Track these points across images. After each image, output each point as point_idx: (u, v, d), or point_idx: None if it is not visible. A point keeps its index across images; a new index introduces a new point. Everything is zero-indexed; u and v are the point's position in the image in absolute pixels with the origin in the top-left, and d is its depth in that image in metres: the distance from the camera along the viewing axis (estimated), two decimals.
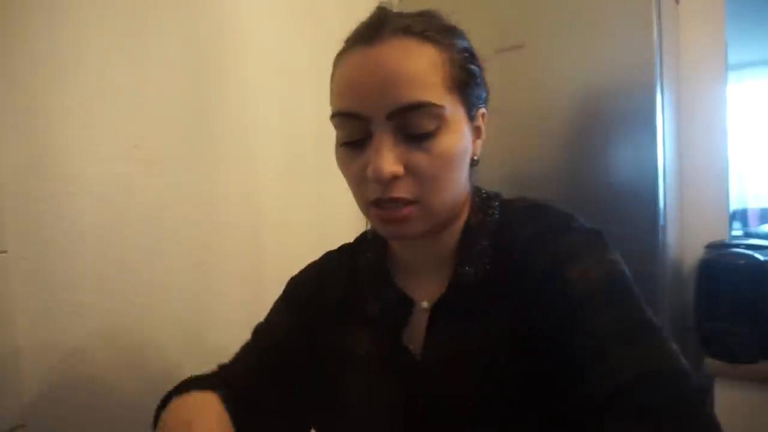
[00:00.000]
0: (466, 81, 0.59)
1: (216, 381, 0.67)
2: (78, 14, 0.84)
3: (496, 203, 0.67)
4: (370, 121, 0.56)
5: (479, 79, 0.62)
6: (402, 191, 0.56)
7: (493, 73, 0.65)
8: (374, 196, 0.57)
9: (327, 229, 1.41)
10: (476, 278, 0.61)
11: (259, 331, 0.76)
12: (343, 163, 0.60)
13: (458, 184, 0.61)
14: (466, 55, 0.60)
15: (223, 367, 0.73)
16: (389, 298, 0.66)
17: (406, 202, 0.57)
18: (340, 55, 0.60)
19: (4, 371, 0.72)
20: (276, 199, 1.25)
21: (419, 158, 0.56)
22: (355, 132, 0.58)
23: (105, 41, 0.88)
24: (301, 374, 0.70)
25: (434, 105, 0.55)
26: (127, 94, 0.91)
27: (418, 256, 0.67)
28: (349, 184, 0.61)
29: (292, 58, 1.31)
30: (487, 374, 0.58)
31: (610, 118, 1.32)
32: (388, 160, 0.54)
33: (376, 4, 0.60)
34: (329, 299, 0.72)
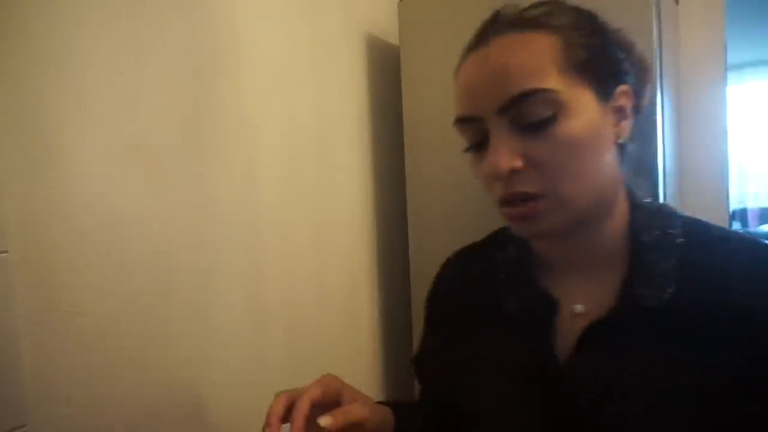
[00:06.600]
0: (590, 59, 0.55)
1: None
2: (78, 14, 0.84)
3: (678, 222, 0.61)
4: (483, 120, 0.54)
5: (614, 56, 0.58)
6: (526, 185, 0.53)
7: None
8: (500, 194, 0.55)
9: (327, 229, 1.41)
10: (659, 302, 0.55)
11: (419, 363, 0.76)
12: (472, 169, 0.59)
13: (595, 171, 0.56)
14: (588, 31, 0.56)
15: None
16: (531, 298, 0.61)
17: (533, 196, 0.53)
18: (458, 65, 0.59)
19: (4, 371, 0.72)
20: (276, 199, 1.25)
21: (538, 148, 0.52)
22: (474, 135, 0.57)
23: (105, 41, 0.88)
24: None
25: (545, 90, 0.52)
26: (127, 94, 0.91)
27: (563, 255, 0.62)
28: (483, 188, 0.60)
29: (292, 59, 1.31)
30: (663, 404, 0.53)
31: None
32: (503, 155, 0.52)
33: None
34: (465, 307, 0.69)
